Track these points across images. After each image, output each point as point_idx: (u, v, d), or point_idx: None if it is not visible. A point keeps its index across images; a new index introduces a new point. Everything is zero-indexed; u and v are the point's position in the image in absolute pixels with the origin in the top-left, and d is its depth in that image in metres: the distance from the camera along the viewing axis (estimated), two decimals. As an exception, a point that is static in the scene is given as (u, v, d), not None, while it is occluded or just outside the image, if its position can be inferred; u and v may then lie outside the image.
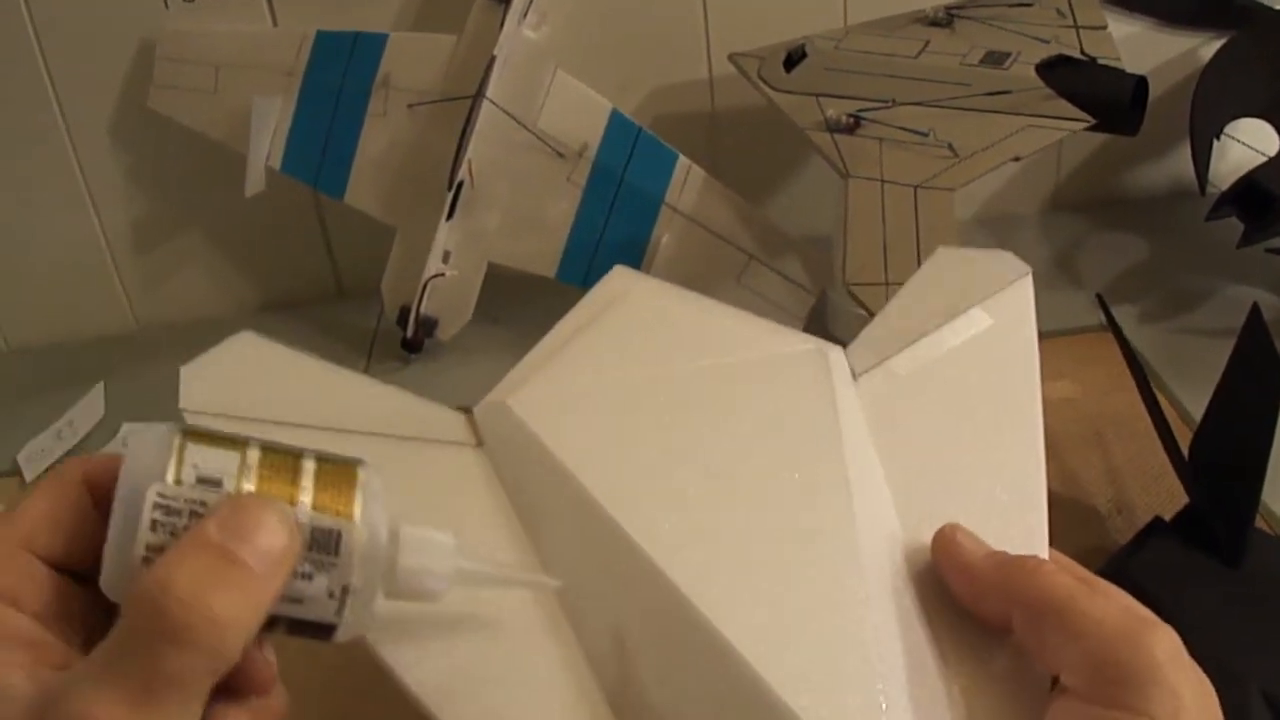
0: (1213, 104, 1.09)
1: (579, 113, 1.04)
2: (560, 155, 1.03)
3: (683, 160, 1.04)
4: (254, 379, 0.60)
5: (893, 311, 0.66)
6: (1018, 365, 0.62)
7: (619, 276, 0.70)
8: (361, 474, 0.45)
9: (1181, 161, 1.13)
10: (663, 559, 0.50)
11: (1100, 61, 1.04)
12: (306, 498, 0.43)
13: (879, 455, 0.57)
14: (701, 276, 0.99)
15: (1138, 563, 0.74)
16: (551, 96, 1.03)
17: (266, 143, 1.09)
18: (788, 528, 0.52)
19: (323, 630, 0.44)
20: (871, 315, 0.89)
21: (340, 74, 1.07)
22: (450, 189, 1.02)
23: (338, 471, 0.45)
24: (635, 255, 1.04)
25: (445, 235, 1.04)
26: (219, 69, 1.10)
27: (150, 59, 1.12)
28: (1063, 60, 1.03)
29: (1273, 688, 0.64)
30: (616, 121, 1.03)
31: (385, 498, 0.45)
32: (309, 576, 0.43)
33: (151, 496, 0.41)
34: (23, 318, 1.23)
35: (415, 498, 0.53)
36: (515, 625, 0.51)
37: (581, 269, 1.05)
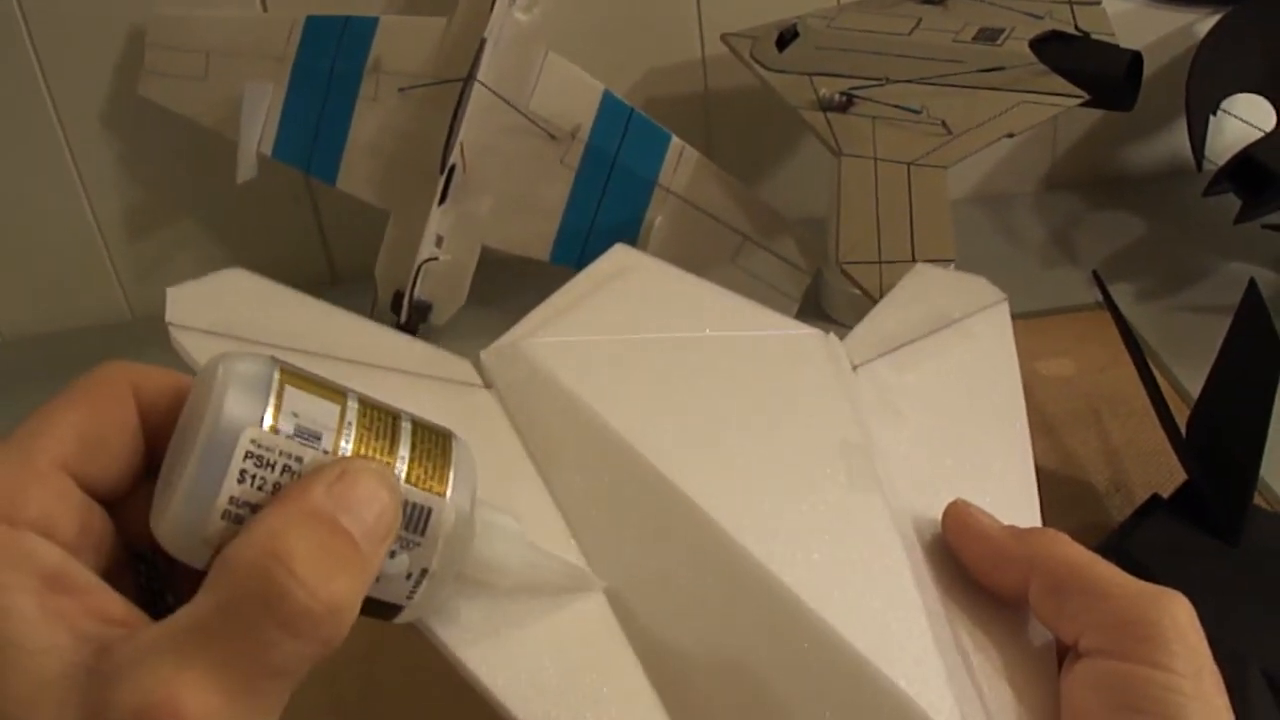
0: (1209, 79, 1.08)
1: (571, 94, 1.03)
2: (553, 137, 1.03)
3: (676, 141, 1.04)
4: (247, 305, 0.57)
5: (877, 319, 0.68)
6: (1001, 380, 0.64)
7: (620, 253, 0.70)
8: (455, 447, 0.42)
9: (1178, 138, 1.13)
10: (702, 499, 0.50)
11: (1094, 37, 1.04)
12: (403, 467, 0.40)
13: (883, 442, 0.58)
14: (696, 257, 0.99)
15: (1136, 541, 0.73)
16: (543, 78, 1.03)
17: (258, 129, 1.08)
18: (828, 499, 0.52)
19: (387, 610, 0.41)
20: (865, 293, 0.89)
21: (331, 59, 1.07)
22: (442, 173, 1.01)
23: (433, 441, 0.41)
24: (629, 237, 1.03)
25: (438, 219, 1.03)
26: (209, 55, 1.10)
27: (140, 45, 1.11)
28: (1056, 36, 1.03)
29: (1271, 666, 0.63)
30: (609, 103, 1.03)
31: (473, 476, 0.42)
32: (392, 554, 0.39)
33: (245, 442, 0.36)
34: (17, 307, 1.23)
35: None
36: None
37: (575, 252, 1.04)
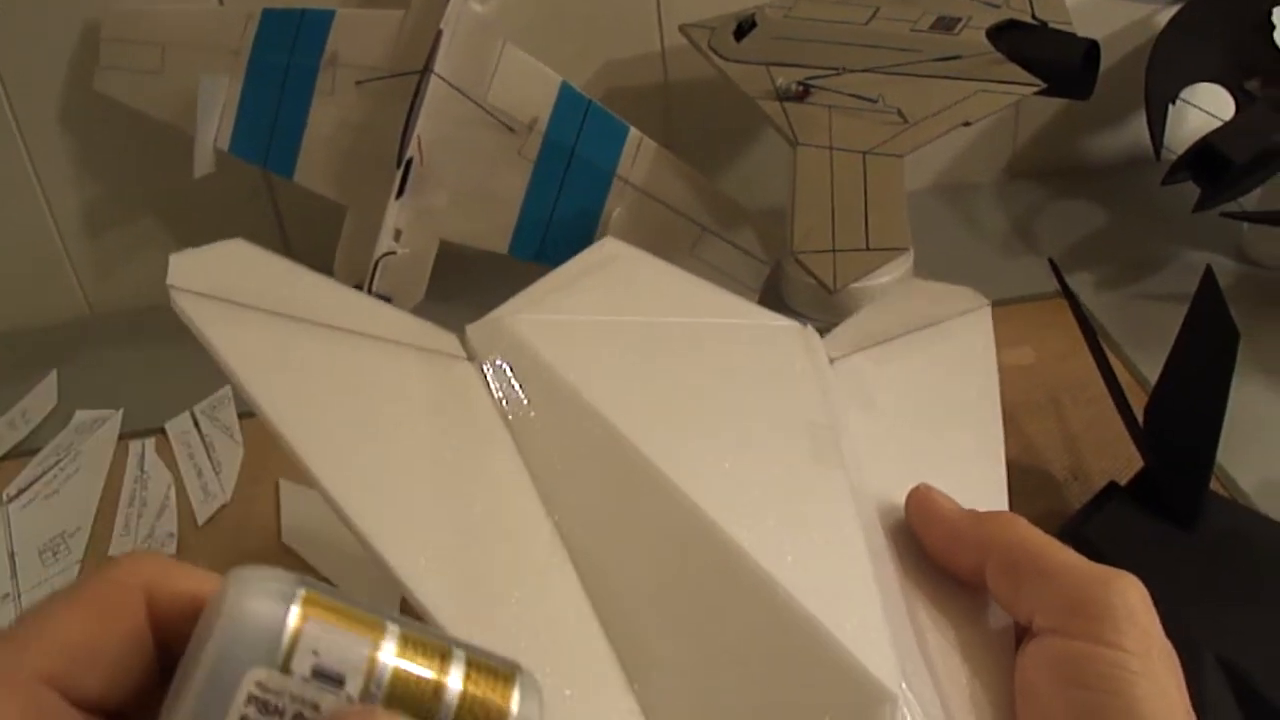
0: (1168, 69, 1.09)
1: (529, 86, 1.03)
2: (510, 130, 1.02)
3: (634, 133, 1.04)
4: (247, 273, 0.59)
5: (861, 318, 0.69)
6: (979, 377, 0.66)
7: (610, 244, 0.73)
8: (517, 690, 0.35)
9: (1138, 128, 1.13)
10: (666, 465, 0.51)
11: (1051, 26, 1.04)
12: (449, 717, 0.34)
13: (855, 429, 0.60)
14: (654, 249, 0.97)
15: (1093, 527, 0.74)
16: (500, 70, 1.02)
17: (214, 123, 1.08)
18: (790, 470, 0.54)
19: None
20: (819, 283, 0.90)
21: (287, 52, 1.06)
22: (399, 166, 1.01)
23: (491, 683, 0.35)
24: (587, 228, 1.03)
25: (396, 213, 1.02)
26: (165, 49, 1.09)
27: (95, 40, 1.11)
28: (1013, 25, 1.03)
29: (1227, 651, 0.63)
30: (566, 95, 1.03)
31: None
32: None
33: (248, 685, 0.32)
34: (-25, 306, 1.22)
35: (410, 400, 0.55)
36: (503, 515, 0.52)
37: (534, 244, 1.04)
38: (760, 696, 0.45)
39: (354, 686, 0.33)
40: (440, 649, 0.35)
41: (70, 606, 0.36)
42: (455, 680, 0.34)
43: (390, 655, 0.34)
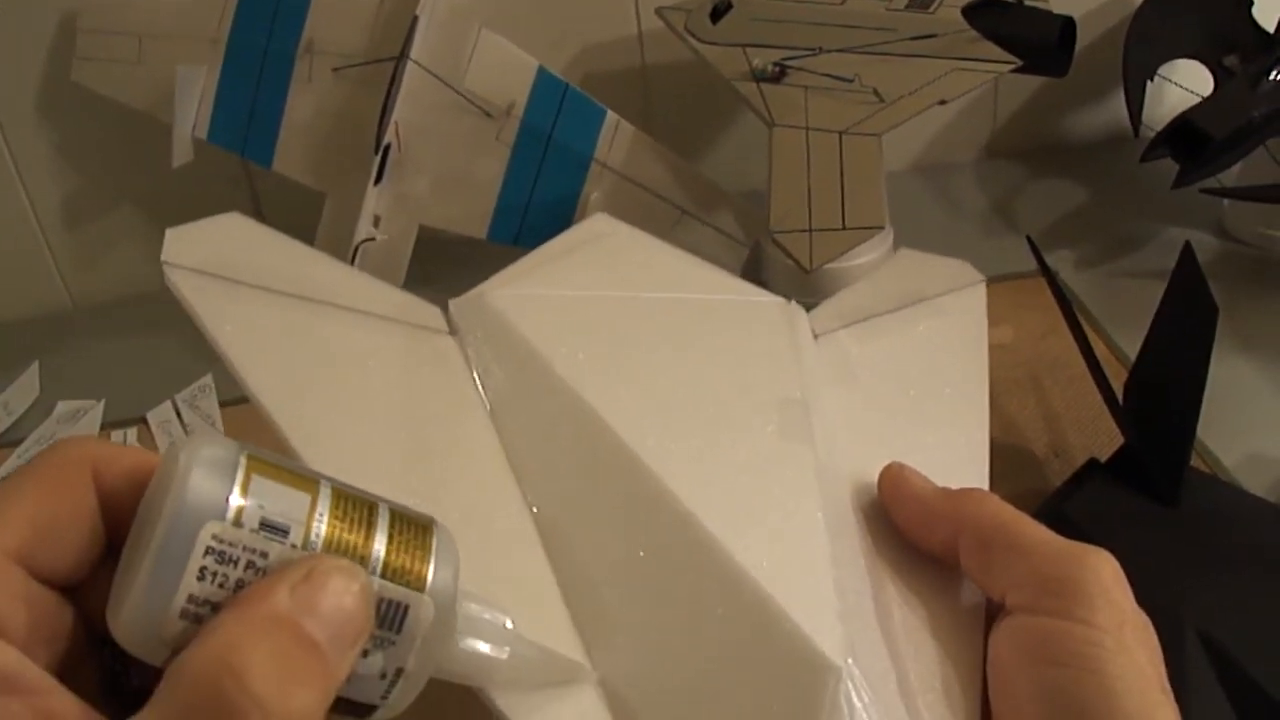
0: (1146, 46, 1.09)
1: (505, 71, 1.03)
2: (488, 115, 1.02)
3: (611, 116, 1.03)
4: (240, 248, 0.58)
5: (852, 292, 0.69)
6: (968, 354, 0.66)
7: (600, 220, 0.73)
8: (435, 538, 0.39)
9: (1118, 106, 1.13)
10: (629, 437, 0.52)
11: (1027, 3, 1.04)
12: (378, 561, 0.37)
13: (833, 406, 0.59)
14: (633, 232, 0.99)
15: (1074, 504, 0.74)
16: (477, 55, 1.02)
17: (192, 112, 1.08)
18: (755, 445, 0.54)
19: (360, 710, 0.38)
20: (796, 263, 0.89)
21: (264, 40, 1.06)
22: (377, 152, 1.01)
23: (412, 531, 0.39)
24: (566, 213, 1.03)
25: (374, 199, 1.02)
26: (142, 39, 1.09)
27: (72, 31, 1.11)
28: (989, 2, 1.03)
29: (1208, 627, 0.64)
30: (543, 79, 1.02)
31: (454, 568, 0.39)
32: (365, 653, 0.37)
33: (206, 537, 0.34)
34: (-44, 300, 1.22)
35: (389, 373, 0.56)
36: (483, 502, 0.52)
37: (512, 229, 1.04)
38: (711, 667, 0.45)
39: (296, 536, 0.36)
40: (368, 502, 0.39)
41: (25, 489, 0.37)
42: (382, 527, 0.38)
43: (326, 507, 0.37)
